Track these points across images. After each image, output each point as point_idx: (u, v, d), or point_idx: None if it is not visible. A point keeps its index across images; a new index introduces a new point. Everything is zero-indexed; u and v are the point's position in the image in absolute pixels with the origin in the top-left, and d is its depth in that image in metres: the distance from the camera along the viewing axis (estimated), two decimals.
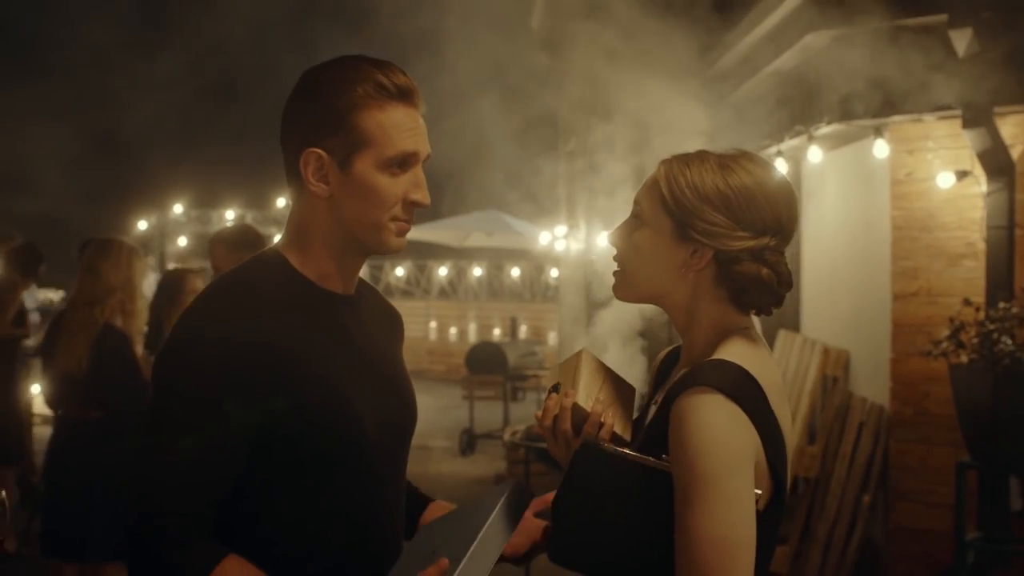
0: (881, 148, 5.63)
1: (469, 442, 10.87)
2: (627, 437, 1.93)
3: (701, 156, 1.85)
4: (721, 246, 1.79)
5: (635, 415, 2.01)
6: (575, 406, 1.92)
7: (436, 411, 13.33)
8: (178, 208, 18.59)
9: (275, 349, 1.77)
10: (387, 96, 1.85)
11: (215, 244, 4.52)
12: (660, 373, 2.03)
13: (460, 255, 18.43)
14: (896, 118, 5.50)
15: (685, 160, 1.84)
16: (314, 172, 1.85)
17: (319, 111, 1.85)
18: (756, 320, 6.05)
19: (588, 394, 1.93)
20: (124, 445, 4.54)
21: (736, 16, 6.78)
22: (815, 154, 6.14)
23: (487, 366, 11.36)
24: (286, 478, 1.81)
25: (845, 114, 5.64)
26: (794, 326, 7.76)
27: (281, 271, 1.90)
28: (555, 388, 1.98)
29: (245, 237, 4.47)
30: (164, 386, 1.80)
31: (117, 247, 4.70)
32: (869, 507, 5.93)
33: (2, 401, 6.91)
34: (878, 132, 5.64)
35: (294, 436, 1.79)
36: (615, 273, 1.90)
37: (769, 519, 1.72)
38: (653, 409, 1.88)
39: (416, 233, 15.50)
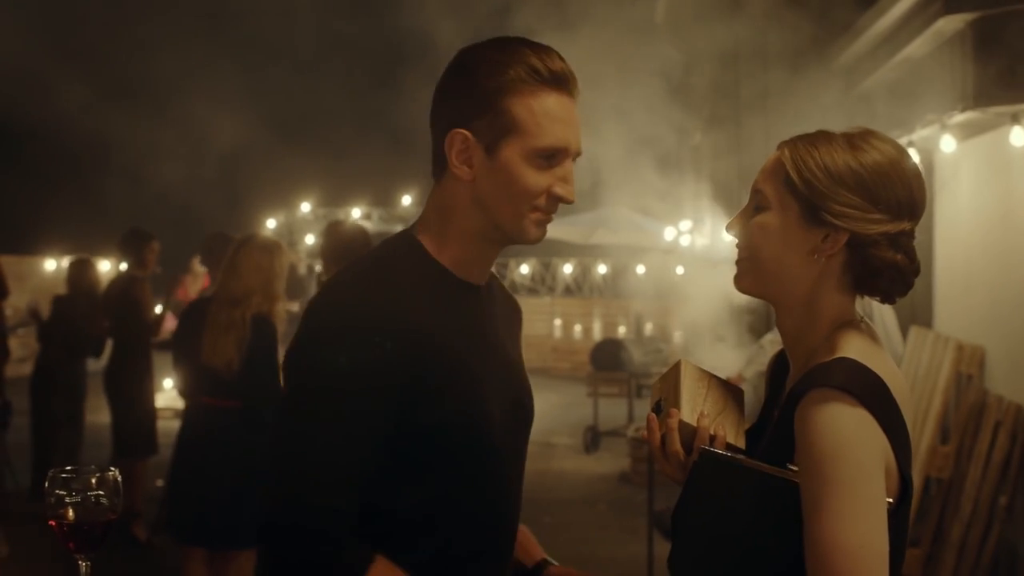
0: (1018, 136, 5.40)
1: (593, 439, 10.84)
2: (741, 444, 1.85)
3: (827, 136, 1.76)
4: (859, 229, 1.70)
5: (748, 422, 1.92)
6: (682, 423, 1.83)
7: (561, 408, 13.32)
8: (305, 207, 18.98)
9: (412, 337, 1.73)
10: (540, 81, 1.79)
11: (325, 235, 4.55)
12: (773, 378, 1.93)
13: (585, 252, 18.36)
14: None
15: (811, 140, 1.75)
16: (458, 153, 1.80)
17: (468, 91, 1.80)
18: (891, 316, 5.83)
19: (693, 408, 1.84)
20: (260, 435, 4.63)
21: (863, 3, 6.61)
22: (948, 144, 5.93)
23: (611, 363, 11.31)
24: (418, 470, 1.77)
25: (979, 101, 5.43)
26: (927, 322, 7.51)
27: (417, 257, 1.85)
28: (658, 405, 1.89)
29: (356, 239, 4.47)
30: (301, 375, 1.76)
31: (259, 247, 4.68)
32: (1006, 509, 5.70)
33: (138, 396, 7.18)
34: (1015, 119, 5.41)
35: (428, 427, 1.76)
36: (738, 262, 1.81)
37: (899, 522, 1.64)
38: (776, 414, 1.80)
39: None
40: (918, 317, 7.70)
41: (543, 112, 1.78)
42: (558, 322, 18.67)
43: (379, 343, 1.71)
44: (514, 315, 2.08)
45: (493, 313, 1.94)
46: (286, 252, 4.83)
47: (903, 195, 1.71)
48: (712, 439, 1.82)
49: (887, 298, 1.76)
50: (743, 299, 1.85)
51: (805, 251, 1.73)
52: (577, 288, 20.20)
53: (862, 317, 1.78)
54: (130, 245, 7.32)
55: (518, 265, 20.28)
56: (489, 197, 1.81)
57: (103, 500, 1.71)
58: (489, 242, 1.88)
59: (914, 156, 6.13)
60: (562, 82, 1.81)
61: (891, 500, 1.61)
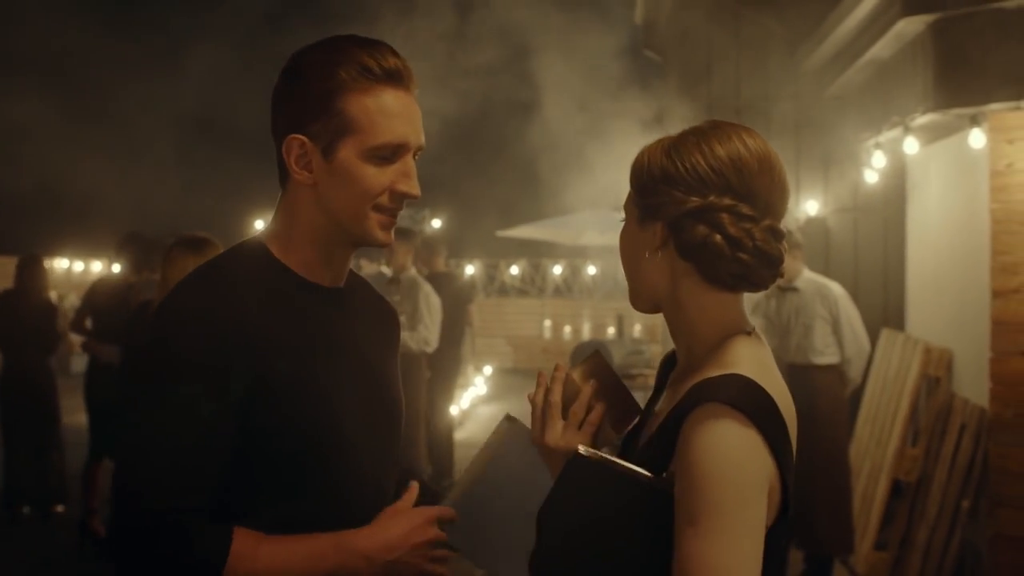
0: (977, 138, 5.37)
1: None
2: (615, 440, 1.85)
3: (667, 137, 1.72)
4: (665, 216, 1.66)
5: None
6: (568, 378, 1.83)
7: None
8: None
9: (250, 338, 1.72)
10: (373, 79, 1.77)
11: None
12: (660, 378, 1.88)
13: (574, 253, 18.33)
14: (994, 106, 5.24)
15: (649, 144, 1.73)
16: (297, 159, 1.79)
17: (301, 95, 1.78)
18: (855, 314, 5.80)
19: (583, 378, 1.84)
20: None
21: (829, 5, 6.59)
22: (911, 145, 5.91)
23: None
24: (261, 477, 1.75)
25: (940, 103, 5.41)
26: (898, 325, 7.50)
27: (261, 260, 1.84)
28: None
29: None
30: (144, 380, 1.75)
31: (187, 252, 4.15)
32: (968, 513, 5.68)
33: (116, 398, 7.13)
34: (974, 121, 5.38)
35: (268, 430, 1.74)
36: None
37: (776, 538, 1.60)
38: (655, 420, 1.74)
39: (530, 231, 15.47)
40: (890, 319, 7.69)
41: (378, 109, 1.77)
42: (548, 323, 18.61)
43: (215, 346, 1.70)
44: (385, 320, 2.06)
45: (350, 316, 1.92)
46: (218, 247, 4.36)
47: (703, 167, 1.64)
48: (589, 410, 1.82)
49: (735, 287, 1.67)
50: None
51: (644, 252, 1.70)
52: (567, 289, 20.14)
53: (753, 327, 1.73)
54: (127, 249, 7.27)
55: (508, 266, 20.23)
56: (331, 200, 1.80)
57: None
58: (336, 244, 1.86)
59: (880, 159, 6.08)
60: (396, 77, 1.79)
61: (768, 523, 1.56)
